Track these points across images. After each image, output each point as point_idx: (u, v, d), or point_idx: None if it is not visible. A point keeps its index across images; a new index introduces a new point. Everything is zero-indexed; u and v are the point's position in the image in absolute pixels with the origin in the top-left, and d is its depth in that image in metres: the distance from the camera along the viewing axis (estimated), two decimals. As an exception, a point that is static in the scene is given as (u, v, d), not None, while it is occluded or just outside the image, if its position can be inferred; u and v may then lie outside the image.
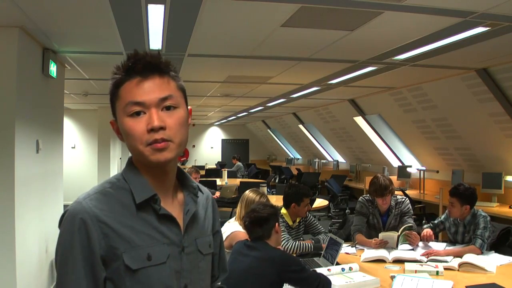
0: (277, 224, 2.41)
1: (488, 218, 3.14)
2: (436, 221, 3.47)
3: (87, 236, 0.93)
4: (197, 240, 1.08)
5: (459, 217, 3.24)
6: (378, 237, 3.25)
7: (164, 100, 0.99)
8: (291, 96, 7.57)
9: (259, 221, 2.35)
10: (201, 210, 1.13)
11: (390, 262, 2.91)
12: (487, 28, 3.16)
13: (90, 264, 0.93)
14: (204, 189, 1.19)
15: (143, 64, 0.99)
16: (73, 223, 0.94)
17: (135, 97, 0.98)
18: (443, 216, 3.46)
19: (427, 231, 3.30)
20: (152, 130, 0.96)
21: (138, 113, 0.98)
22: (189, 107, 1.07)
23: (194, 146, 16.29)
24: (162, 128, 0.97)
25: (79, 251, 0.93)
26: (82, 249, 0.93)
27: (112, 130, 1.05)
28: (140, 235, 0.97)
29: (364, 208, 3.51)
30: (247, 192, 3.08)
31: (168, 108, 0.99)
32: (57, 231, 0.99)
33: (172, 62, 1.04)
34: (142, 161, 1.00)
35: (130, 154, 1.07)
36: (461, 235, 3.25)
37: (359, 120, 8.16)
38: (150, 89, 0.99)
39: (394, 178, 7.27)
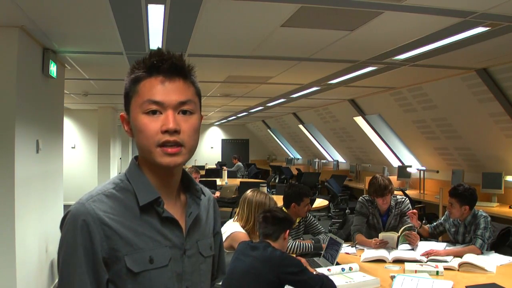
0: (288, 231, 2.42)
1: (489, 219, 3.13)
2: (435, 223, 3.47)
3: (89, 238, 0.93)
4: (198, 243, 1.08)
5: (458, 218, 3.24)
6: (378, 237, 3.24)
7: (182, 104, 0.99)
8: (291, 96, 7.57)
9: (273, 220, 2.37)
10: (203, 212, 1.13)
11: (390, 262, 2.91)
12: (487, 28, 3.16)
13: (92, 266, 0.92)
14: (206, 190, 1.18)
15: (169, 65, 0.98)
16: (75, 225, 0.93)
17: (155, 96, 0.97)
18: (442, 218, 3.46)
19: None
20: (166, 131, 0.96)
21: (154, 112, 0.97)
22: (201, 115, 1.07)
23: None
24: (176, 131, 0.96)
25: (81, 253, 0.92)
26: (85, 251, 0.92)
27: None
28: (142, 237, 0.97)
29: (364, 208, 3.51)
30: (250, 193, 3.06)
31: (184, 112, 0.99)
32: (58, 231, 0.99)
33: (194, 68, 1.04)
34: (150, 160, 0.99)
35: (130, 155, 1.07)
36: (462, 235, 3.25)
37: (359, 120, 8.16)
38: (171, 91, 0.98)
39: (394, 178, 7.27)
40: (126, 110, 1.03)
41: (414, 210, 3.39)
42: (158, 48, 1.01)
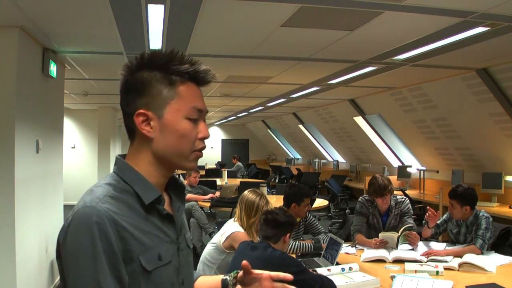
0: (288, 234, 2.41)
1: (491, 219, 3.13)
2: (438, 222, 3.46)
3: (108, 240, 0.90)
4: (185, 236, 1.11)
5: (461, 218, 3.23)
6: (378, 237, 3.24)
7: (205, 114, 1.07)
8: (291, 96, 7.57)
9: (274, 223, 2.35)
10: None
11: (390, 262, 2.91)
12: (487, 28, 3.16)
13: (117, 270, 0.90)
14: None
15: (210, 79, 1.05)
16: (91, 228, 0.89)
17: (200, 104, 1.03)
18: (445, 216, 3.45)
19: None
20: (203, 138, 1.03)
21: (195, 120, 1.03)
22: None
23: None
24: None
25: (104, 258, 0.89)
26: (106, 256, 0.89)
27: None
28: (149, 236, 0.98)
29: (364, 208, 3.51)
30: (245, 192, 3.07)
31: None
32: (58, 231, 0.96)
33: None
34: (175, 163, 1.03)
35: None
36: (463, 235, 3.25)
37: (359, 120, 8.16)
38: (203, 101, 1.06)
39: (394, 178, 7.28)
40: (152, 109, 0.99)
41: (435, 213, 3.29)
42: (184, 54, 1.02)
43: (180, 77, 1.00)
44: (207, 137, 1.04)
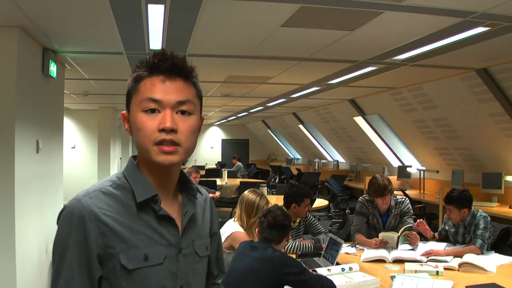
0: (289, 233, 2.42)
1: (489, 219, 3.13)
2: (439, 230, 3.46)
3: (84, 234, 0.93)
4: (194, 242, 1.08)
5: (460, 221, 3.23)
6: (378, 237, 3.24)
7: (181, 103, 1.00)
8: (291, 96, 7.58)
9: (279, 226, 2.35)
10: (199, 212, 1.13)
11: (390, 262, 2.91)
12: (487, 28, 3.16)
13: (84, 262, 0.93)
14: (203, 191, 1.19)
15: (170, 65, 0.99)
16: (71, 220, 0.94)
17: (154, 94, 0.98)
18: (444, 222, 3.46)
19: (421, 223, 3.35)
20: (163, 130, 0.96)
21: (153, 111, 0.98)
22: (202, 117, 1.08)
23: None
24: (173, 131, 0.97)
25: (74, 249, 0.93)
26: (77, 247, 0.93)
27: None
28: (137, 235, 0.97)
29: (364, 208, 3.51)
30: (246, 192, 3.08)
31: (183, 112, 1.00)
32: None
33: (195, 69, 1.05)
34: (147, 158, 1.00)
35: (130, 154, 1.07)
36: (462, 236, 3.25)
37: (359, 120, 8.16)
38: (170, 90, 0.99)
39: (394, 178, 7.28)
40: (127, 108, 1.04)
41: (423, 223, 3.37)
42: (162, 49, 1.02)
43: (144, 73, 1.01)
44: (166, 128, 0.96)
